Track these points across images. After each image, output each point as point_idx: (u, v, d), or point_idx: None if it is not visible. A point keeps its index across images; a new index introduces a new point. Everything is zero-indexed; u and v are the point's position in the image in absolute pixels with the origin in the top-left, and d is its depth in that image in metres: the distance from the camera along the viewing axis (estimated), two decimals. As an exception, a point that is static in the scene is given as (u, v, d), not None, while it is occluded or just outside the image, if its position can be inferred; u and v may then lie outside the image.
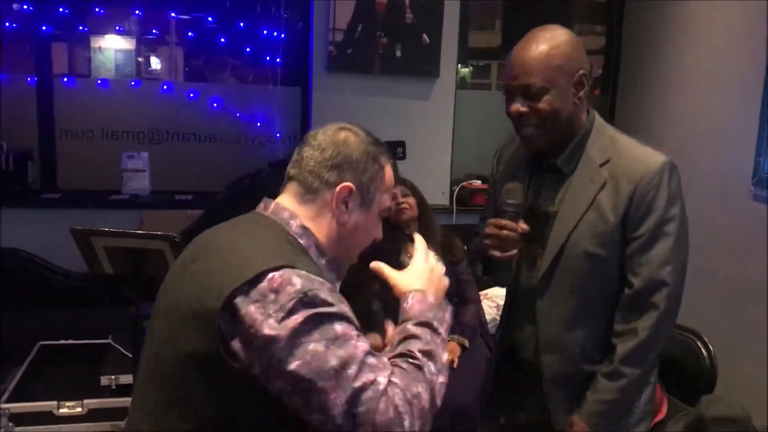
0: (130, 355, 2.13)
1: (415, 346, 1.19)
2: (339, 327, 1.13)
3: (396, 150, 3.06)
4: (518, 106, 1.65)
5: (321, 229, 1.31)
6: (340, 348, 1.11)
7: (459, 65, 4.21)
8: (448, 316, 1.29)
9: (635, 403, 1.70)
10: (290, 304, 1.11)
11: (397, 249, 3.04)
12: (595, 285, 1.69)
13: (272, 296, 1.12)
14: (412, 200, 3.08)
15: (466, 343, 2.93)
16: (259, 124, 4.05)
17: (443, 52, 3.98)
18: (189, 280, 1.21)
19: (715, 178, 3.43)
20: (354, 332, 1.15)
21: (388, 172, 1.37)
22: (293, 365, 1.09)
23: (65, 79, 4.00)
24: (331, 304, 1.14)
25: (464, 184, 4.17)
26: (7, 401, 2.15)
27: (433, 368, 1.18)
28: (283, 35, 3.95)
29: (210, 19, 4.05)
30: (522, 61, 1.63)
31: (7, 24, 3.78)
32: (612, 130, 1.76)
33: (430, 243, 3.03)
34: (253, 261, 1.16)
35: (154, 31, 4.23)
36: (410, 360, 1.17)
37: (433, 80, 4.02)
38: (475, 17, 4.77)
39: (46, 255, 3.49)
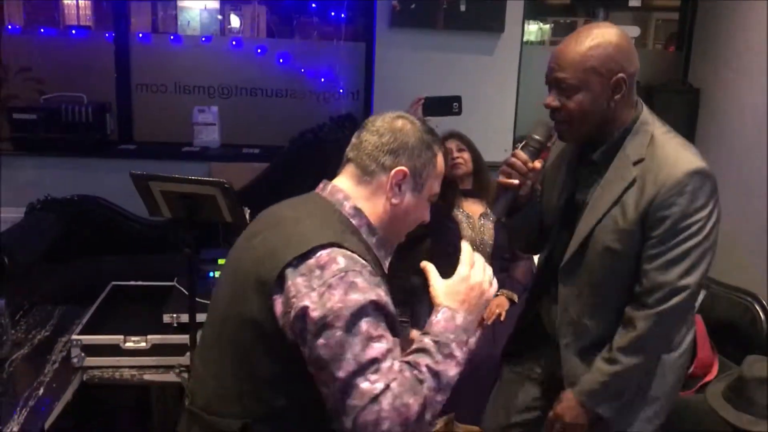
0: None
1: (423, 361, 1.24)
2: (365, 324, 1.21)
3: (452, 105, 3.06)
4: (551, 100, 1.68)
5: (374, 209, 1.40)
6: (358, 344, 1.20)
7: (539, 23, 4.13)
8: (472, 340, 1.31)
9: (628, 388, 1.73)
10: (332, 281, 1.22)
11: (450, 203, 3.08)
12: (614, 279, 1.71)
13: (318, 272, 1.23)
14: (467, 155, 3.10)
15: (515, 297, 2.96)
16: (323, 79, 4.12)
17: (509, 7, 3.92)
18: (251, 251, 1.35)
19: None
20: (378, 330, 1.22)
21: (440, 160, 1.45)
22: (318, 343, 1.20)
23: (140, 36, 4.17)
24: (367, 291, 1.22)
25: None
26: (80, 333, 2.32)
27: (433, 384, 1.23)
28: (348, -9, 3.98)
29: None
30: (560, 55, 1.65)
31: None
32: (657, 128, 1.70)
33: (484, 198, 3.08)
34: (306, 237, 1.27)
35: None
36: (414, 372, 1.23)
37: (497, 35, 3.96)
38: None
39: (122, 203, 3.68)
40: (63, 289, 3.04)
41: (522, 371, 2.01)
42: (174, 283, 2.61)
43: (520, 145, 1.76)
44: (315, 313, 1.20)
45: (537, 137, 1.73)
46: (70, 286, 3.07)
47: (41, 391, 2.11)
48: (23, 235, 3.30)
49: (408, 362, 1.24)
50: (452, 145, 3.12)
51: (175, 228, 2.94)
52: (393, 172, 1.38)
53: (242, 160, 3.95)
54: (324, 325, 1.20)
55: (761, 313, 2.67)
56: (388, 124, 1.41)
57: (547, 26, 5.08)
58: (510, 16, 3.94)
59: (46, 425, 1.98)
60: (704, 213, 1.61)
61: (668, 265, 1.62)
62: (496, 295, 2.94)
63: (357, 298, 1.21)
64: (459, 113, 3.01)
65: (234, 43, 4.19)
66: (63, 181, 3.66)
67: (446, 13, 3.87)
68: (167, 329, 2.37)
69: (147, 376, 2.31)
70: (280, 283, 1.25)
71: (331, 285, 1.21)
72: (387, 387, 1.19)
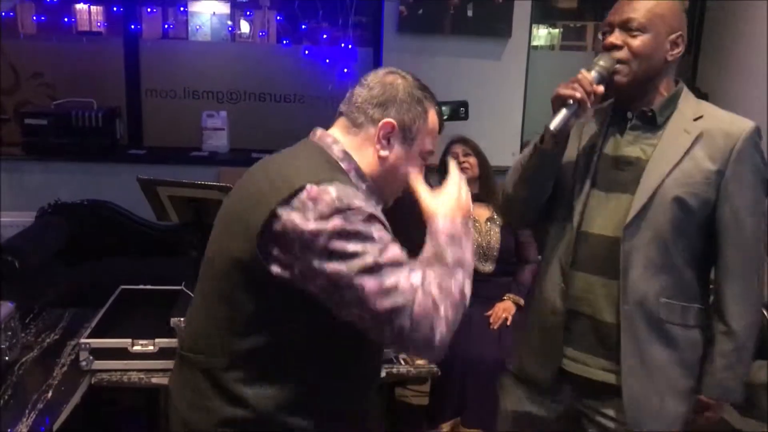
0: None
1: (448, 254, 1.28)
2: (375, 230, 1.24)
3: (459, 110, 3.08)
4: (614, 38, 1.67)
5: (363, 159, 1.40)
6: (375, 248, 1.22)
7: (548, 27, 4.14)
8: (472, 232, 1.37)
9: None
10: (327, 210, 1.22)
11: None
12: (682, 238, 1.67)
13: (311, 204, 1.23)
14: (473, 159, 3.12)
15: (521, 301, 2.97)
16: (331, 85, 4.14)
17: (516, 12, 3.94)
18: (239, 194, 1.38)
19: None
20: (389, 236, 1.26)
21: (432, 116, 1.44)
22: (333, 264, 1.21)
23: (150, 41, 4.20)
24: (365, 209, 1.24)
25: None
26: (89, 337, 2.33)
27: (461, 275, 1.28)
28: (356, -3, 4.00)
29: (285, -18, 4.15)
30: (634, 1, 1.67)
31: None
32: (700, 100, 1.78)
33: (491, 203, 3.10)
34: (295, 177, 1.27)
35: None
36: (442, 263, 1.27)
37: (505, 40, 3.98)
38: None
39: (131, 207, 3.70)
40: (72, 292, 3.08)
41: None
42: (182, 287, 2.63)
43: (585, 69, 1.68)
44: (320, 235, 1.21)
45: (602, 63, 1.68)
46: (79, 290, 3.10)
47: (50, 394, 2.12)
48: (34, 238, 3.33)
49: (432, 259, 1.29)
50: (458, 149, 3.14)
51: (183, 232, 2.97)
52: (381, 123, 1.38)
53: (251, 164, 3.94)
54: (333, 244, 1.21)
55: (765, 319, 2.66)
56: (380, 79, 1.42)
57: (557, 31, 5.08)
58: (517, 21, 3.96)
59: (55, 428, 1.99)
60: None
61: (740, 221, 1.66)
62: (503, 300, 2.95)
63: (360, 209, 1.24)
64: (466, 118, 3.03)
65: (243, 48, 4.22)
66: (73, 186, 3.70)
67: (453, 18, 3.88)
68: (175, 333, 2.38)
69: (155, 380, 2.32)
70: (272, 224, 1.25)
71: (329, 215, 1.22)
72: (425, 274, 1.23)
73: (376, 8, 4.00)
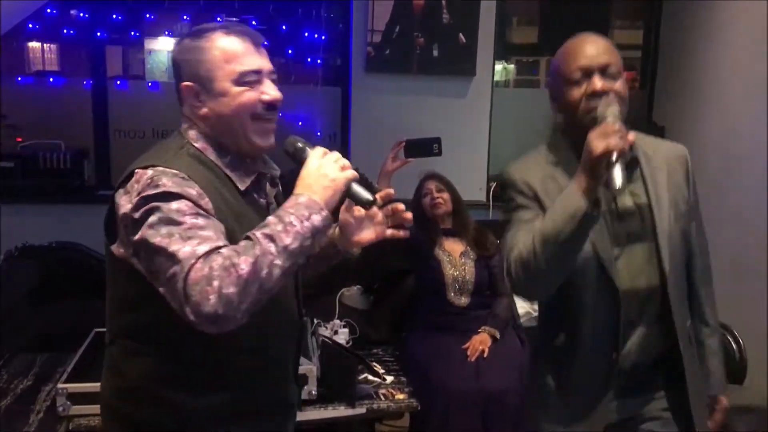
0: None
1: (259, 231, 1.29)
2: (176, 204, 1.30)
3: (432, 146, 3.15)
4: (600, 84, 1.62)
5: (199, 129, 1.46)
6: (174, 219, 1.28)
7: (503, 62, 4.25)
8: (316, 217, 1.32)
9: None
10: (140, 188, 1.32)
11: (432, 242, 3.14)
12: (685, 261, 1.77)
13: (135, 186, 1.33)
14: (446, 195, 3.18)
15: (497, 334, 3.01)
16: (300, 123, 4.18)
17: (479, 51, 4.05)
18: None
19: (752, 175, 3.42)
20: (192, 209, 1.31)
21: (219, 42, 1.43)
22: (140, 234, 1.29)
23: (118, 82, 4.21)
24: (172, 186, 1.31)
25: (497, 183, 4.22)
26: (65, 382, 2.30)
27: (268, 247, 1.26)
28: (323, 37, 4.08)
29: (254, 22, 4.21)
30: (599, 44, 1.66)
31: (65, 31, 4.01)
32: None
33: (464, 237, 3.16)
34: (134, 165, 1.38)
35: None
36: (246, 241, 1.28)
37: (469, 79, 4.09)
38: (517, 13, 4.81)
39: (101, 248, 3.64)
40: (43, 336, 3.02)
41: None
42: (158, 328, 2.61)
43: (605, 119, 1.56)
44: (132, 211, 1.30)
45: (616, 109, 1.58)
46: (50, 334, 3.04)
47: (28, 441, 2.09)
48: (0, 282, 3.27)
49: (243, 237, 1.30)
50: (431, 185, 3.20)
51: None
52: (182, 91, 1.45)
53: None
54: (142, 217, 1.29)
55: (734, 344, 2.75)
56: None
57: (511, 66, 5.22)
58: (481, 60, 4.07)
59: (35, 476, 1.96)
60: None
61: (700, 229, 1.79)
62: (478, 332, 2.99)
63: (163, 189, 1.31)
64: (439, 154, 3.10)
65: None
66: (41, 229, 3.64)
67: (419, 58, 3.98)
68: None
69: (134, 423, 2.29)
70: (114, 209, 1.36)
71: (140, 192, 1.31)
72: (213, 250, 1.25)
73: (344, 48, 4.07)
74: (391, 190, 1.58)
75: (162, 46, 5.40)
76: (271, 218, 1.31)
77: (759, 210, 3.35)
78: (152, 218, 1.28)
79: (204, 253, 1.23)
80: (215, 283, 1.21)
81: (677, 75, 4.23)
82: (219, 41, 1.42)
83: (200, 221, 1.30)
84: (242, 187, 1.46)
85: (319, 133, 4.21)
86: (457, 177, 3.41)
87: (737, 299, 3.26)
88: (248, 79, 1.43)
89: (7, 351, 2.70)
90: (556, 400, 1.76)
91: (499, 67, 5.01)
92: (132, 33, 4.32)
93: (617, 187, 1.48)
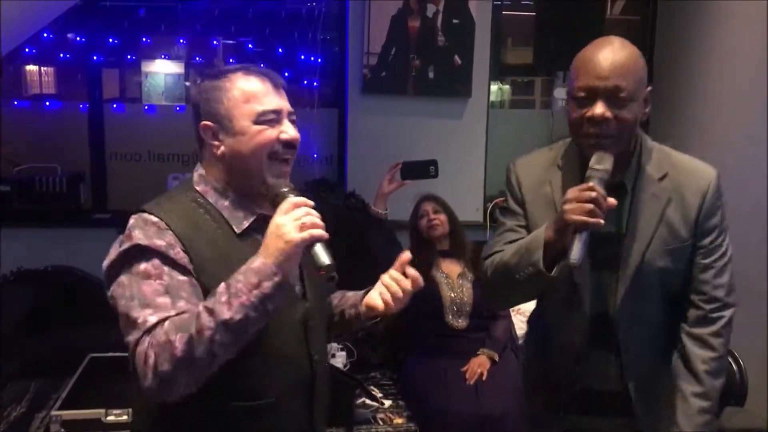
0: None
1: (205, 302, 1.28)
2: (144, 264, 1.32)
3: (429, 168, 3.16)
4: (601, 110, 1.50)
5: (213, 170, 1.46)
6: (137, 283, 1.31)
7: (498, 83, 4.25)
8: (267, 284, 1.25)
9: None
10: (122, 238, 1.36)
11: (429, 263, 3.13)
12: (669, 298, 1.68)
13: (121, 237, 1.37)
14: (443, 217, 3.18)
15: (496, 356, 2.99)
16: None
17: (475, 73, 4.06)
18: None
19: (749, 189, 3.40)
20: (157, 268, 1.31)
21: (239, 82, 1.43)
22: (111, 291, 1.34)
23: (114, 105, 4.21)
24: (140, 239, 1.32)
25: (498, 200, 4.23)
26: (59, 408, 2.28)
27: (206, 323, 1.24)
28: (320, 59, 4.09)
29: (250, 45, 4.22)
30: (613, 61, 1.51)
31: (61, 55, 4.02)
32: (656, 144, 1.71)
33: (461, 258, 3.15)
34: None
35: (197, 58, 4.42)
36: (192, 312, 1.27)
37: (465, 100, 4.10)
38: (512, 33, 4.83)
39: (97, 272, 3.62)
40: (38, 362, 2.99)
41: None
42: (154, 353, 2.59)
43: (590, 179, 1.50)
44: (107, 266, 1.36)
45: (604, 167, 1.50)
46: (45, 359, 3.01)
47: (21, 470, 2.06)
48: (-5, 307, 3.25)
49: (196, 305, 1.30)
50: (428, 207, 3.21)
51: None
52: (200, 131, 1.45)
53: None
54: (112, 273, 1.34)
55: (734, 366, 2.74)
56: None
57: (507, 86, 5.23)
58: (476, 81, 4.08)
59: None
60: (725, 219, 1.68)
61: (717, 275, 1.65)
62: (477, 355, 2.97)
63: (129, 244, 1.33)
64: (436, 176, 3.11)
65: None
66: (37, 253, 3.62)
67: (415, 80, 3.99)
68: (149, 401, 2.34)
69: (130, 450, 2.26)
70: None
71: (121, 243, 1.35)
72: (160, 322, 1.26)
73: (340, 70, 4.09)
74: (409, 254, 1.50)
75: (158, 69, 5.42)
76: (221, 286, 1.28)
77: (756, 227, 3.33)
78: (122, 277, 1.33)
79: (152, 325, 1.26)
80: (150, 361, 1.24)
81: (673, 93, 4.22)
82: (239, 82, 1.43)
83: (163, 282, 1.31)
84: (238, 230, 1.44)
85: (315, 155, 4.21)
86: (454, 198, 3.41)
87: (737, 320, 3.23)
88: (267, 118, 1.42)
89: (1, 377, 2.67)
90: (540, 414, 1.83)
91: (494, 87, 5.02)
92: (128, 56, 4.33)
93: (572, 261, 1.45)
